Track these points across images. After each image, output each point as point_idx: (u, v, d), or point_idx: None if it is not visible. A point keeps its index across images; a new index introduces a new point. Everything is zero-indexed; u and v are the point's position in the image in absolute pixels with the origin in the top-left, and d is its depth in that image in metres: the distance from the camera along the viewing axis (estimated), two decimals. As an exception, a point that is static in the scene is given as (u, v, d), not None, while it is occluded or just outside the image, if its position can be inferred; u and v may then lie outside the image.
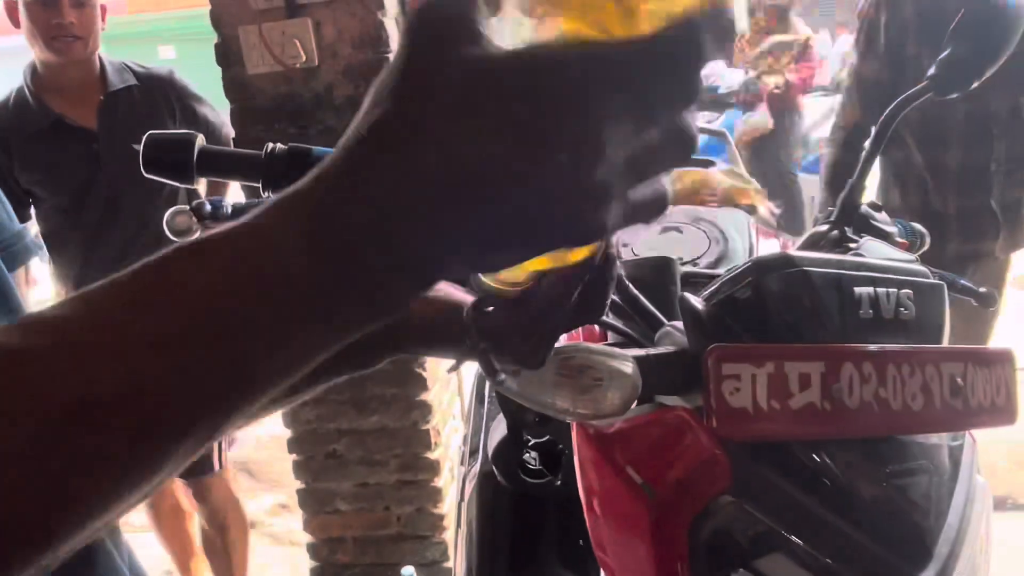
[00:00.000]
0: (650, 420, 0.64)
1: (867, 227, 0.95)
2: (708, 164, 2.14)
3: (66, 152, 1.99)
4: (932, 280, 0.69)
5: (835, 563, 0.59)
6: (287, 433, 2.36)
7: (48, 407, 0.25)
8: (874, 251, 0.87)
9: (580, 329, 0.90)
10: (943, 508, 0.64)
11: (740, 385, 0.57)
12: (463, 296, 0.52)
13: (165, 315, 0.27)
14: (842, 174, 1.99)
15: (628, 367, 0.59)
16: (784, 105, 4.54)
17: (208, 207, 0.61)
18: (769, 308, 0.63)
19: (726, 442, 0.60)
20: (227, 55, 2.04)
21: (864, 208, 0.97)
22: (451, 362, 2.60)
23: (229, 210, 0.62)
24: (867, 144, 0.95)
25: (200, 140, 0.71)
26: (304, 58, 2.00)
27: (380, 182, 0.28)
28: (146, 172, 0.70)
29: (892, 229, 0.98)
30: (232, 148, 0.72)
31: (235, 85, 2.07)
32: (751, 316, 0.63)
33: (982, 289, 1.05)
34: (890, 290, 0.65)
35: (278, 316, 0.28)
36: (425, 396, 2.24)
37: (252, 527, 3.05)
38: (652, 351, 0.62)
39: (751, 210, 1.83)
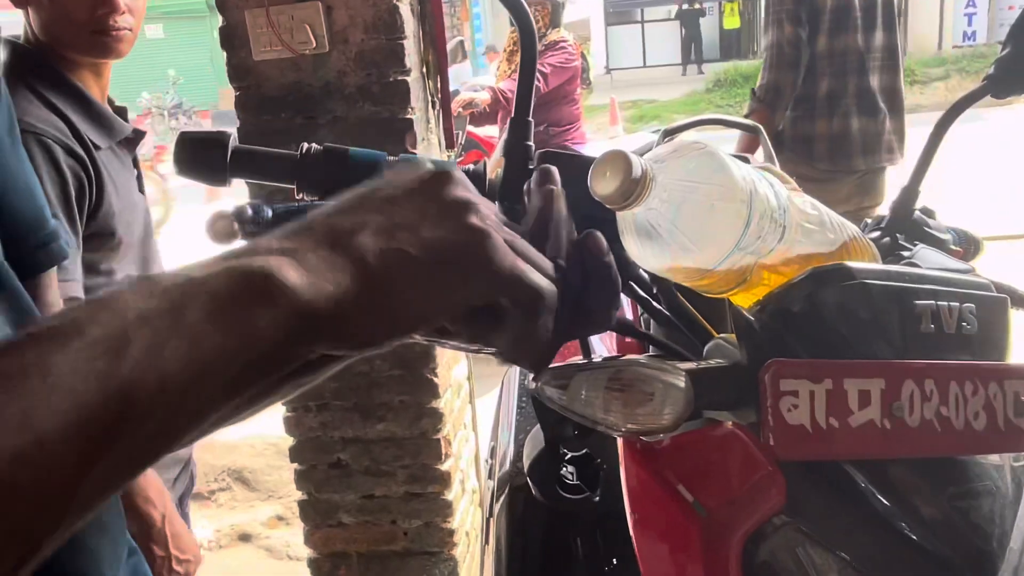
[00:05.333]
0: (701, 436, 0.66)
1: (920, 234, 0.97)
2: (742, 160, 2.16)
3: None
4: (995, 293, 0.71)
5: (893, 587, 0.61)
6: (285, 439, 2.39)
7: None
8: (929, 260, 0.89)
9: (626, 343, 0.93)
10: (1006, 531, 0.66)
11: (798, 402, 0.59)
12: None
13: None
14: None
15: (681, 381, 0.61)
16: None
17: (250, 211, 0.63)
18: (826, 322, 0.65)
19: (780, 460, 0.62)
20: (232, 39, 2.07)
21: (917, 214, 0.99)
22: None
23: (270, 214, 0.64)
24: (922, 148, 0.97)
25: (233, 139, 0.73)
26: (314, 44, 2.02)
27: None
28: (178, 172, 0.73)
29: (946, 236, 1.00)
30: (266, 148, 0.74)
31: (240, 71, 2.09)
32: (807, 330, 0.65)
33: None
34: (952, 304, 0.67)
35: None
36: (436, 404, 2.27)
37: (247, 540, 3.08)
38: (704, 364, 0.65)
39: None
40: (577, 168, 0.69)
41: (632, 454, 0.67)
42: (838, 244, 0.74)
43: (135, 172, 1.59)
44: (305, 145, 0.74)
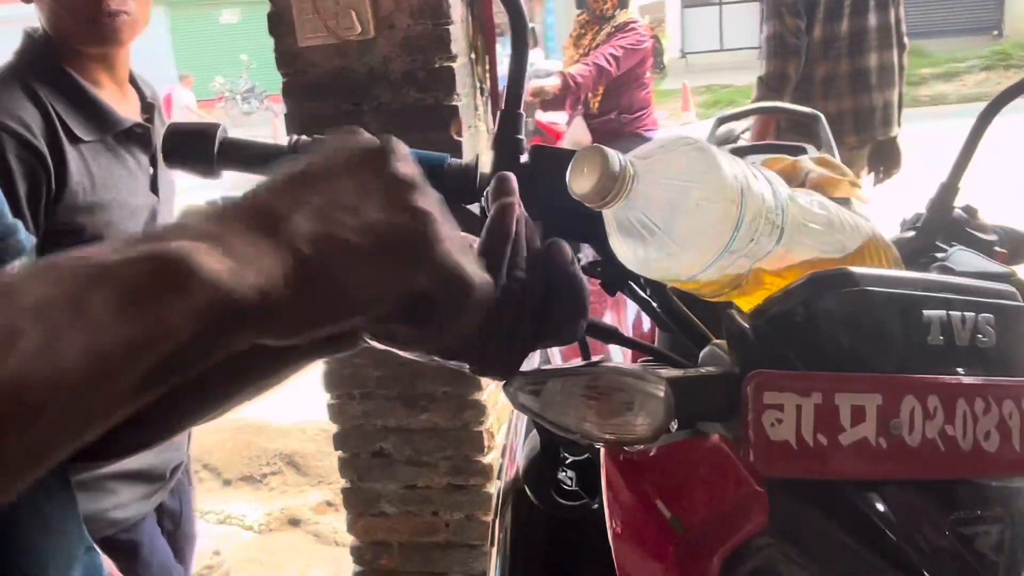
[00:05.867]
0: (684, 448, 0.63)
1: (960, 234, 0.92)
2: (799, 151, 2.09)
3: None
4: (1018, 303, 0.66)
5: (887, 618, 0.58)
6: (334, 427, 2.42)
7: None
8: (964, 263, 0.84)
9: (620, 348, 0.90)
10: (1017, 561, 0.61)
11: (783, 416, 0.56)
12: None
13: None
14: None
15: (660, 390, 0.58)
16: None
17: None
18: (824, 330, 0.61)
19: (767, 477, 0.59)
20: (279, 25, 2.09)
21: (957, 212, 0.93)
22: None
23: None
24: (962, 142, 0.91)
25: (222, 130, 0.73)
26: (359, 30, 2.02)
27: None
28: (167, 164, 0.73)
29: (990, 237, 0.94)
30: (256, 140, 0.74)
31: (287, 57, 2.11)
32: (804, 339, 0.62)
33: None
34: (966, 314, 0.63)
35: None
36: (479, 396, 2.26)
37: (296, 524, 3.15)
38: (690, 373, 0.62)
39: (844, 203, 1.78)
40: (564, 164, 0.67)
41: (613, 464, 0.65)
42: (850, 246, 0.70)
43: (149, 171, 1.52)
44: (294, 137, 0.73)
